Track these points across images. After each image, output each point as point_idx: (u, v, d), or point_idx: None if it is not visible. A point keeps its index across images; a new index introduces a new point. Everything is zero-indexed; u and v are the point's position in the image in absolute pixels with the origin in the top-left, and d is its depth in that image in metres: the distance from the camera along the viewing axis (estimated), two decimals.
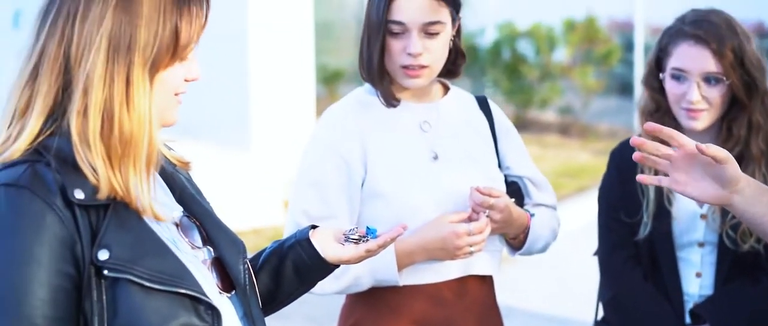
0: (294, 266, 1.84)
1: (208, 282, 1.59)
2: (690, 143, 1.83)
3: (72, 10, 1.50)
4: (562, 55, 13.19)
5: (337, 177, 2.28)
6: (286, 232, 2.23)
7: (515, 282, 6.47)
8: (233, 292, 1.66)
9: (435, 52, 2.25)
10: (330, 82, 13.43)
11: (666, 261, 2.50)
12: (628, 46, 12.90)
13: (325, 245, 1.84)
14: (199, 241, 1.65)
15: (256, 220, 7.32)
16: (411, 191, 2.28)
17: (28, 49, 1.53)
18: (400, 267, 2.26)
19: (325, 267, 1.86)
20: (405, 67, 2.25)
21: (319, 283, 2.02)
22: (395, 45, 2.24)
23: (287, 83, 8.91)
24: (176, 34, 1.53)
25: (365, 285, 2.28)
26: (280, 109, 8.80)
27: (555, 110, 13.14)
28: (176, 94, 1.59)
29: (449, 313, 2.31)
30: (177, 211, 1.65)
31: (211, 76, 10.03)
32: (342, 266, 2.15)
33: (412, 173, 2.30)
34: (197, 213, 1.69)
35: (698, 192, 1.86)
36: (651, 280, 2.53)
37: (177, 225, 1.63)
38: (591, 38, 12.89)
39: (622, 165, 2.57)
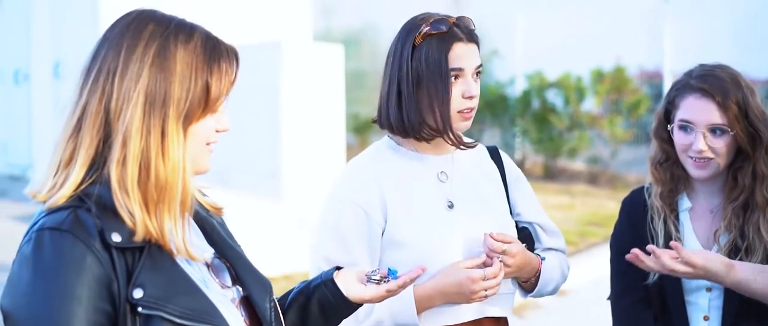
0: (319, 305, 1.96)
1: (236, 320, 1.72)
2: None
3: (112, 68, 1.64)
4: (590, 104, 13.25)
5: (356, 226, 2.37)
6: (311, 274, 2.33)
7: None
8: None
9: (478, 95, 2.39)
10: (361, 130, 13.58)
11: (675, 305, 2.58)
12: (657, 96, 12.96)
13: (349, 285, 1.96)
14: (228, 281, 1.78)
15: (287, 266, 7.43)
16: (429, 239, 2.37)
17: (71, 105, 1.67)
18: (419, 310, 2.35)
19: (349, 306, 1.98)
20: (461, 112, 2.36)
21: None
22: (454, 91, 2.35)
23: (319, 132, 9.05)
24: (207, 89, 1.66)
25: None
26: (311, 158, 8.93)
27: (584, 159, 13.19)
28: (208, 144, 1.72)
29: None
30: (208, 253, 1.78)
31: (244, 125, 10.27)
32: (364, 309, 2.27)
33: (429, 221, 2.39)
34: (228, 255, 1.81)
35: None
36: (661, 323, 2.61)
37: (208, 265, 1.76)
38: (619, 88, 12.96)
39: (633, 212, 2.68)
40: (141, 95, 1.62)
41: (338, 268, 2.01)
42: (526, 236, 2.53)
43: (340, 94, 9.24)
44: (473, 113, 2.39)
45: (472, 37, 2.38)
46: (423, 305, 2.35)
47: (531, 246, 2.52)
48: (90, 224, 1.59)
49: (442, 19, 2.35)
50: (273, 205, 8.61)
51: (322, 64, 9.26)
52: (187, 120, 1.66)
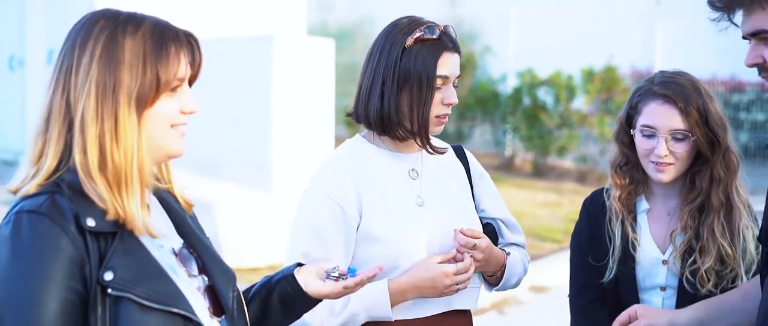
0: (280, 298, 2.07)
1: (201, 306, 1.83)
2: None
3: (68, 65, 1.77)
4: (581, 103, 13.35)
5: (333, 222, 2.44)
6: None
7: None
8: (223, 317, 1.89)
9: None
10: (351, 124, 13.65)
11: (630, 302, 2.65)
12: None
13: (308, 281, 2.07)
14: (195, 270, 1.89)
15: (276, 257, 7.52)
16: (400, 234, 2.46)
17: (41, 103, 1.80)
18: (393, 304, 2.44)
19: (308, 301, 2.09)
20: (438, 117, 2.47)
21: (319, 320, 2.26)
22: (436, 96, 2.45)
23: (309, 125, 9.14)
24: (157, 74, 1.78)
25: (361, 320, 2.46)
26: (301, 151, 9.01)
27: (573, 157, 13.30)
28: (173, 126, 1.83)
29: None
30: (177, 242, 1.89)
31: (235, 117, 10.32)
32: (340, 302, 2.37)
33: (401, 218, 2.48)
34: (195, 246, 1.92)
35: None
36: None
37: (176, 254, 1.86)
38: (610, 87, 13.06)
39: (592, 212, 2.78)
40: (92, 85, 1.74)
41: (300, 265, 2.11)
42: (489, 231, 2.63)
43: (330, 88, 9.34)
44: (447, 118, 2.50)
45: (456, 47, 2.49)
46: (397, 299, 2.44)
47: (494, 241, 2.63)
48: (66, 208, 1.70)
49: (433, 26, 2.45)
50: (263, 197, 8.70)
51: (314, 57, 9.35)
52: (141, 104, 1.77)
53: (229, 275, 1.94)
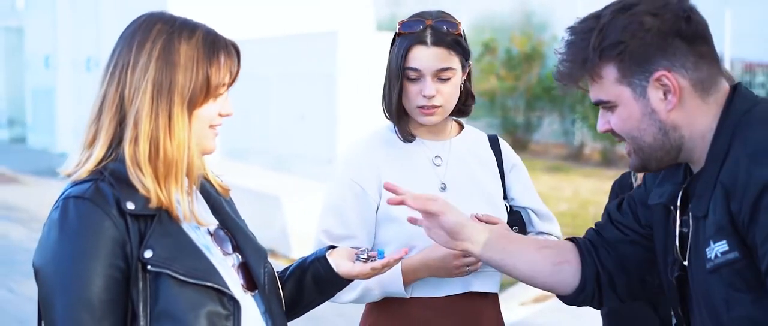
0: (313, 279, 2.22)
1: (234, 281, 1.98)
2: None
3: (125, 62, 1.92)
4: None
5: (355, 204, 2.60)
6: (312, 248, 2.57)
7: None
8: (256, 291, 2.05)
9: (446, 95, 2.58)
10: None
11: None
12: None
13: (340, 262, 2.22)
14: (230, 249, 2.05)
15: None
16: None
17: (94, 95, 1.96)
18: (406, 281, 2.57)
19: (339, 281, 2.24)
20: (420, 107, 2.58)
21: (337, 294, 2.41)
22: (412, 88, 2.57)
23: (373, 120, 9.28)
24: (208, 78, 1.94)
25: (376, 296, 2.61)
26: None
27: None
28: (211, 127, 1.99)
29: (450, 323, 2.62)
30: (213, 223, 2.05)
31: (302, 113, 10.51)
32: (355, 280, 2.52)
33: None
34: (230, 227, 2.08)
35: (435, 237, 2.26)
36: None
37: (211, 235, 2.03)
38: None
39: (621, 193, 2.86)
40: (149, 84, 1.90)
41: (332, 247, 2.26)
42: (517, 219, 2.72)
43: None
44: (437, 111, 2.58)
45: (439, 41, 2.55)
46: (409, 277, 2.57)
47: (523, 229, 2.71)
48: (108, 194, 1.87)
49: (418, 21, 2.56)
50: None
51: (379, 52, 9.48)
52: (191, 105, 1.93)
53: (261, 252, 2.09)
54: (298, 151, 10.09)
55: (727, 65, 12.66)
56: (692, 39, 1.88)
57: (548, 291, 2.29)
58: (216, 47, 1.96)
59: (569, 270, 2.20)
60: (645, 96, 1.89)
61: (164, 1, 10.99)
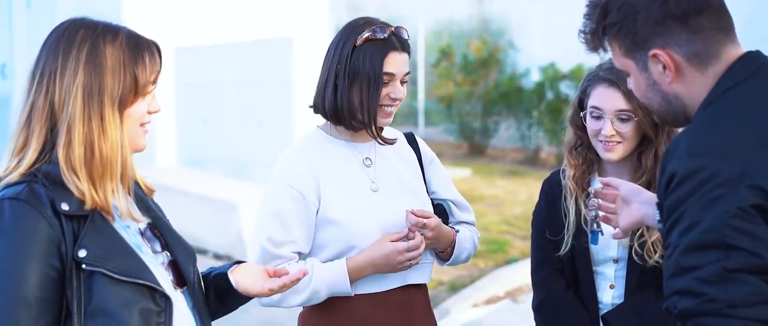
0: (215, 292, 2.28)
1: (164, 278, 2.06)
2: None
3: (52, 70, 1.98)
4: None
5: (295, 209, 2.66)
6: (253, 255, 2.69)
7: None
8: (185, 288, 2.13)
9: (403, 95, 2.72)
10: None
11: (585, 274, 2.87)
12: None
13: (240, 279, 2.26)
14: (159, 248, 2.12)
15: None
16: (357, 218, 2.68)
17: (22, 103, 2.01)
18: (352, 280, 2.67)
19: (239, 298, 2.28)
20: (383, 107, 2.67)
21: (284, 299, 2.52)
22: (383, 91, 2.65)
23: None
24: (135, 78, 2.01)
25: (323, 297, 2.69)
26: None
27: None
28: (142, 125, 2.06)
29: (390, 315, 2.74)
30: (144, 222, 2.13)
31: (259, 119, 10.48)
32: (304, 281, 2.59)
33: (357, 202, 2.70)
34: (159, 226, 2.16)
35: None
36: (572, 290, 2.91)
37: (142, 234, 2.10)
38: None
39: (550, 192, 2.97)
40: (79, 89, 1.97)
41: (239, 262, 2.31)
42: (440, 212, 2.85)
43: None
44: (394, 111, 2.71)
45: (405, 47, 2.69)
46: (354, 276, 2.68)
47: (445, 220, 2.85)
48: (43, 195, 1.93)
49: (383, 28, 2.65)
50: None
51: None
52: (122, 105, 2.00)
53: (189, 251, 2.17)
54: (256, 157, 10.12)
55: None
56: (683, 16, 1.95)
57: None
58: (140, 48, 2.03)
59: None
60: (647, 69, 2.00)
61: (119, 11, 10.99)
